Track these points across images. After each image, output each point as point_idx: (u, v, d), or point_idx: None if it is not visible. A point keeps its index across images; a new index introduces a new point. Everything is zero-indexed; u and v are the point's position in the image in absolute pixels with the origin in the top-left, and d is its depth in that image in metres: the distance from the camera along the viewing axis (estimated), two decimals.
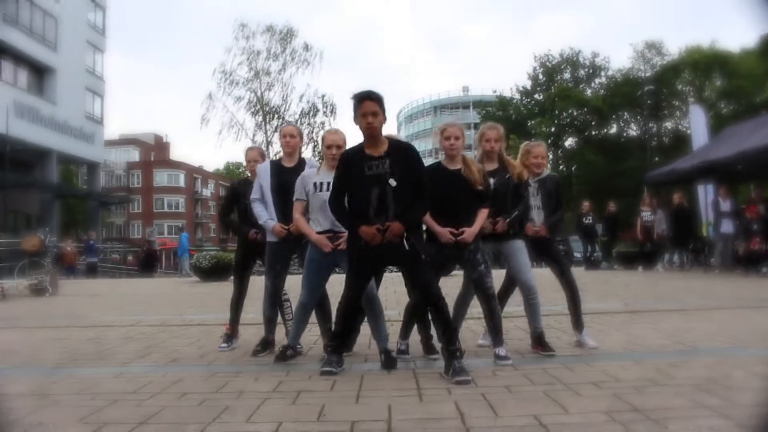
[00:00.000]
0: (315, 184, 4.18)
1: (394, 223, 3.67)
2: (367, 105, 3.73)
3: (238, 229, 5.06)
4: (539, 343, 4.33)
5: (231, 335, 5.00)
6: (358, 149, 3.83)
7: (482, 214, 4.09)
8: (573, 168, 48.66)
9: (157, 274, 23.57)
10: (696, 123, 17.38)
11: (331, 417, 2.85)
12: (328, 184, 4.01)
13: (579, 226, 15.74)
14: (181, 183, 64.87)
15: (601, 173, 42.77)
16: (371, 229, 3.69)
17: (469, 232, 4.00)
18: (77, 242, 23.62)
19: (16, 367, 4.42)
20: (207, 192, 70.32)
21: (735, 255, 12.31)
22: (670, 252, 14.77)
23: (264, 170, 4.66)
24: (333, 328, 4.08)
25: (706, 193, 13.76)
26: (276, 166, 4.69)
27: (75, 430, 2.71)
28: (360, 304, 3.99)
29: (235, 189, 5.16)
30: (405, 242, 3.71)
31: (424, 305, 3.97)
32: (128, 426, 2.73)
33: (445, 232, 4.00)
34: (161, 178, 63.79)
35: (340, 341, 3.91)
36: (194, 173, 67.90)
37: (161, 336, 5.82)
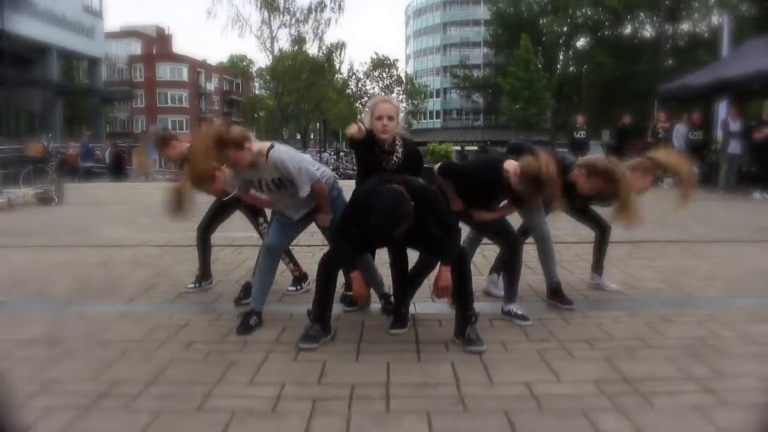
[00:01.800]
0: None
1: (442, 276, 3.35)
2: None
3: None
4: (556, 294, 4.24)
5: (202, 276, 4.84)
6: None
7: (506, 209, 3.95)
8: (584, 68, 47.61)
9: (128, 178, 22.87)
10: (726, 32, 16.69)
11: (332, 378, 2.97)
12: (273, 180, 3.72)
13: (571, 141, 15.53)
14: (185, 77, 63.81)
15: (612, 75, 41.85)
16: (364, 288, 3.48)
17: (482, 214, 3.86)
18: (78, 142, 23.16)
19: (26, 301, 4.55)
20: (211, 86, 69.35)
21: (740, 176, 12.26)
22: None
23: None
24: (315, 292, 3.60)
25: (718, 110, 13.49)
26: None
27: (88, 388, 2.83)
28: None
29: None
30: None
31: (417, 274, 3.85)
32: (138, 385, 2.86)
33: (458, 204, 3.80)
34: (164, 71, 62.64)
35: (323, 308, 3.50)
36: (197, 67, 66.64)
37: (166, 261, 5.95)
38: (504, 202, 3.92)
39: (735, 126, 12.16)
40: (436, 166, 3.83)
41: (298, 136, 58.75)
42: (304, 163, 3.72)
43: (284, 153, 3.67)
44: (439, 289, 3.39)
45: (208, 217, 4.85)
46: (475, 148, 56.29)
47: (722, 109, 13.42)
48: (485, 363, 3.15)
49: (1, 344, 3.48)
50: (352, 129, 3.73)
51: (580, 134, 15.46)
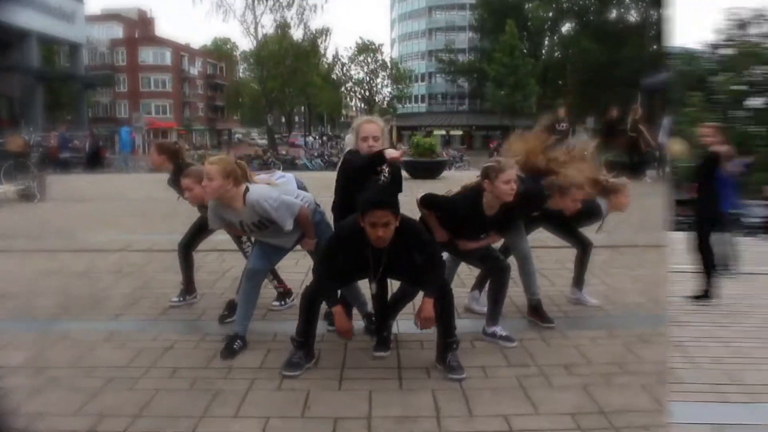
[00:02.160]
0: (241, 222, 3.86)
1: (425, 308, 3.41)
2: (379, 215, 3.23)
3: None
4: (536, 312, 4.31)
5: (186, 290, 4.89)
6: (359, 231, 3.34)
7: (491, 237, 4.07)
8: (569, 53, 47.67)
9: (106, 169, 22.57)
10: None
11: (315, 410, 3.03)
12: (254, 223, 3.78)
13: (551, 133, 15.50)
14: (167, 61, 62.91)
15: (597, 62, 41.98)
16: (345, 322, 3.52)
17: (467, 244, 3.96)
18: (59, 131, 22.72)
19: (11, 318, 4.55)
20: (194, 71, 68.47)
21: None
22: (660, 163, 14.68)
23: None
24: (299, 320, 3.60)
25: None
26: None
27: (74, 423, 2.86)
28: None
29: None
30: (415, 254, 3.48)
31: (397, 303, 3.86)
32: (124, 419, 2.89)
33: (442, 235, 3.89)
34: (146, 55, 61.74)
35: (306, 336, 3.55)
36: (181, 51, 65.72)
37: (151, 270, 5.94)
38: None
39: None
40: (418, 197, 3.86)
41: (283, 120, 58.45)
42: (282, 196, 3.73)
43: (260, 194, 3.67)
44: (422, 320, 3.44)
45: (190, 233, 4.86)
46: (460, 132, 56.36)
47: None
48: (465, 392, 3.21)
49: None
50: (395, 154, 3.69)
51: (562, 126, 15.51)
